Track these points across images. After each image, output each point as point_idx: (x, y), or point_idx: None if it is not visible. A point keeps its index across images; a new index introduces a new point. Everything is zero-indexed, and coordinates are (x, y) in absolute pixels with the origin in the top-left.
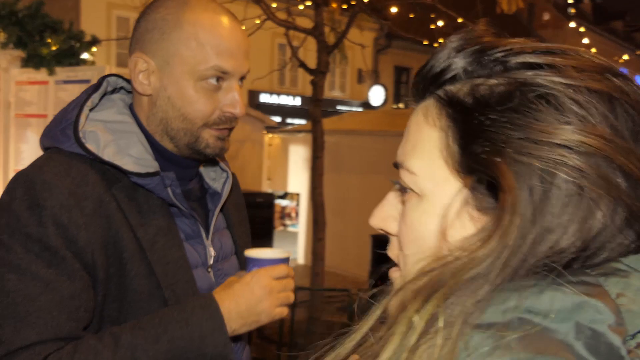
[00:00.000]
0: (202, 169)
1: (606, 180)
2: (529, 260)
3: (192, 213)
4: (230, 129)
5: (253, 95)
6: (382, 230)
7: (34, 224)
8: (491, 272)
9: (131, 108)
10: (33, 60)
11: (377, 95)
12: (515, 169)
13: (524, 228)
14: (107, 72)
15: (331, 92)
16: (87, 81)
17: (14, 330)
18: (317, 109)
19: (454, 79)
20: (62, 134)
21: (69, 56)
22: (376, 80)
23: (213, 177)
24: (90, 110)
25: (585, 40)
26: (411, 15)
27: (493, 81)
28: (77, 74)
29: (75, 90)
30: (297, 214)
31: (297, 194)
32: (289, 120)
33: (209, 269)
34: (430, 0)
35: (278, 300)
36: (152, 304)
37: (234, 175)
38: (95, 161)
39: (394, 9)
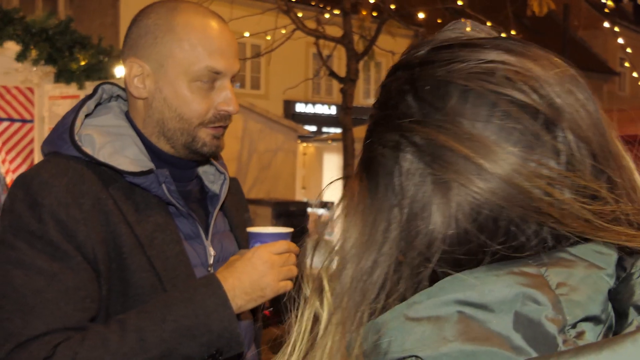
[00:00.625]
0: (201, 172)
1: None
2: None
3: (189, 212)
4: (225, 127)
5: (288, 105)
6: None
7: (35, 221)
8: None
9: (127, 114)
10: (64, 76)
11: None
12: (371, 166)
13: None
14: None
15: (366, 99)
16: None
17: (23, 323)
18: (347, 117)
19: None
20: (59, 138)
21: (97, 70)
22: None
23: (212, 180)
24: (87, 116)
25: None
26: (439, 21)
27: (391, 83)
28: None
29: None
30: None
31: (332, 202)
32: (324, 129)
33: (210, 269)
34: (459, 5)
35: (281, 273)
36: (155, 297)
37: (235, 179)
38: (92, 162)
39: (421, 15)
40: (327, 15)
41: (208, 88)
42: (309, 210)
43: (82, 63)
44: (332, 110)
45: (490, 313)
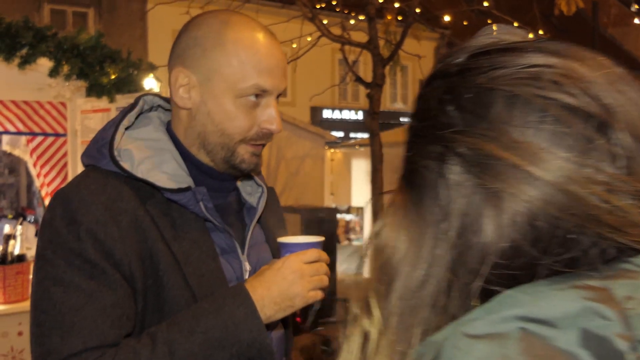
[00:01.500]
0: (239, 184)
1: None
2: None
3: (225, 227)
4: (264, 145)
5: (315, 112)
6: None
7: (74, 239)
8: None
9: (168, 125)
10: (95, 90)
11: None
12: (414, 178)
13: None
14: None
15: (393, 104)
16: None
17: (61, 340)
18: (374, 122)
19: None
20: (98, 152)
21: (127, 84)
22: None
23: (249, 192)
24: (127, 128)
25: None
26: (465, 23)
27: (428, 93)
28: None
29: None
30: (361, 227)
31: (361, 208)
32: (351, 135)
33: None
34: (485, 7)
35: (311, 283)
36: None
37: (272, 189)
38: (130, 178)
39: (447, 18)
40: (352, 22)
41: (253, 105)
42: (339, 216)
43: (113, 77)
44: (359, 116)
45: (555, 329)
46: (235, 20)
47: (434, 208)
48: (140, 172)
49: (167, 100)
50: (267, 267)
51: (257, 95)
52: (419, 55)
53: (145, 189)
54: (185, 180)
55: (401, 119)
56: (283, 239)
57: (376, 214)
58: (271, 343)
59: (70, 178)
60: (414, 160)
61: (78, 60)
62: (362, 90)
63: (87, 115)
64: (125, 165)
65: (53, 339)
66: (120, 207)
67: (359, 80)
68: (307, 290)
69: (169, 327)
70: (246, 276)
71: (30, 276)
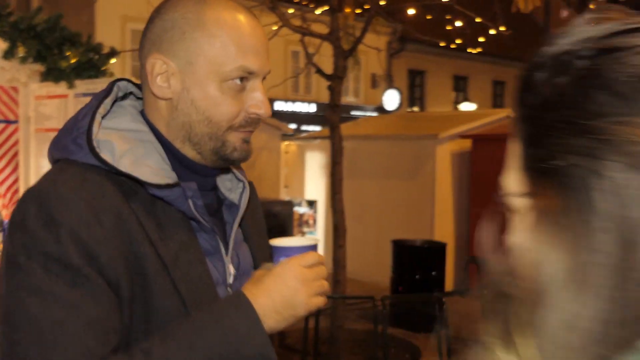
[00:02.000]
0: (217, 179)
1: None
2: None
3: (213, 227)
4: (252, 131)
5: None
6: None
7: (52, 241)
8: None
9: (142, 115)
10: (52, 74)
11: (391, 99)
12: (565, 178)
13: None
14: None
15: (345, 97)
16: None
17: (42, 359)
18: (335, 114)
19: (531, 83)
20: (73, 143)
21: (87, 69)
22: (390, 84)
23: (229, 188)
24: (102, 117)
25: None
26: (428, 17)
27: (560, 79)
28: (96, 87)
29: None
30: (314, 221)
31: (315, 201)
32: (304, 127)
33: (228, 288)
34: (447, 2)
35: (313, 289)
36: (180, 321)
37: (251, 184)
38: (111, 172)
39: (411, 11)
40: (318, 12)
41: (239, 89)
42: (295, 209)
43: (73, 61)
44: (312, 108)
45: None
46: (213, 0)
47: (588, 214)
48: (123, 165)
49: (139, 86)
50: (264, 273)
51: (242, 79)
52: (379, 49)
53: (126, 185)
54: (170, 176)
55: (352, 113)
56: (277, 242)
57: (335, 207)
58: (275, 356)
59: (21, 168)
60: (549, 157)
61: (35, 42)
62: (315, 82)
63: (41, 102)
64: (106, 157)
65: (32, 358)
66: (103, 204)
67: (319, 72)
68: (310, 297)
69: (165, 341)
70: (230, 280)
71: None
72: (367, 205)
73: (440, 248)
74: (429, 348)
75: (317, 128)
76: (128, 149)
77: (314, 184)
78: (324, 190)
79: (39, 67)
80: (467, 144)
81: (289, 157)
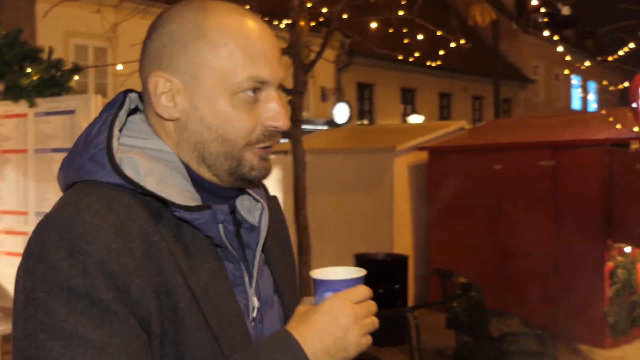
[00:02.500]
0: (236, 199)
1: None
2: None
3: (240, 256)
4: (271, 147)
5: None
6: None
7: (78, 274)
8: None
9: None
10: (11, 92)
11: (341, 112)
12: None
13: None
14: (92, 101)
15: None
16: (71, 112)
17: None
18: (297, 129)
19: None
20: (92, 162)
21: (50, 86)
22: (340, 98)
23: (247, 208)
24: (119, 131)
25: (540, 49)
26: (391, 30)
27: None
28: (59, 105)
29: (58, 122)
30: None
31: None
32: None
33: (252, 323)
34: (409, 16)
35: (364, 328)
36: None
37: (274, 198)
38: (136, 192)
39: (373, 25)
40: (282, 25)
41: (252, 101)
42: None
43: (35, 78)
44: None
45: None
46: (214, 6)
47: None
48: (149, 184)
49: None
50: (309, 309)
51: (254, 90)
52: (334, 62)
53: (153, 207)
54: (196, 198)
55: (303, 127)
56: (320, 275)
57: (299, 223)
58: None
59: None
60: None
61: None
62: None
63: None
64: (131, 175)
65: None
66: (132, 230)
67: (280, 86)
68: (361, 337)
69: None
70: (254, 314)
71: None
72: (325, 220)
73: (402, 261)
74: None
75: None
76: (152, 167)
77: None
78: (282, 205)
79: None
80: (423, 156)
81: None
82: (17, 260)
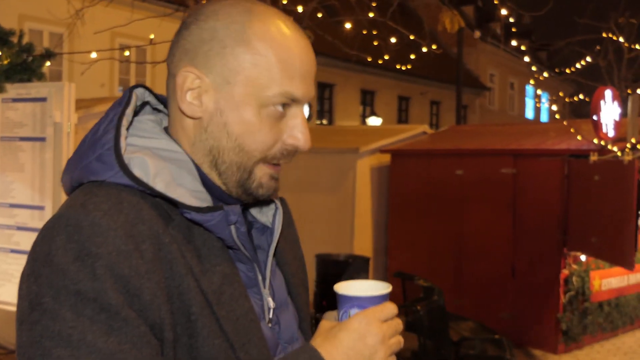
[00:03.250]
0: None
1: None
2: None
3: (253, 257)
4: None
5: None
6: None
7: (86, 278)
8: None
9: (166, 131)
10: None
11: None
12: None
13: None
14: (66, 89)
15: None
16: (42, 99)
17: None
18: None
19: None
20: (99, 162)
21: (20, 71)
22: None
23: (259, 208)
24: (127, 130)
25: (496, 58)
26: (364, 32)
27: None
28: (29, 91)
29: (27, 110)
30: None
31: None
32: None
33: (269, 324)
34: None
35: (391, 348)
36: None
37: (283, 200)
38: (145, 193)
39: (348, 25)
40: None
41: (279, 116)
42: None
43: (5, 62)
44: None
45: None
46: (262, 11)
47: None
48: (159, 185)
49: (157, 96)
50: (335, 325)
51: (284, 105)
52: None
53: (162, 208)
54: (206, 199)
55: None
56: (345, 290)
57: None
58: None
59: None
60: None
61: None
62: None
63: None
64: (140, 175)
65: None
66: (142, 232)
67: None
68: (388, 357)
69: None
70: (270, 315)
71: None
72: None
73: (364, 262)
74: None
75: None
76: (162, 167)
77: None
78: None
79: None
80: (385, 158)
81: None
82: None
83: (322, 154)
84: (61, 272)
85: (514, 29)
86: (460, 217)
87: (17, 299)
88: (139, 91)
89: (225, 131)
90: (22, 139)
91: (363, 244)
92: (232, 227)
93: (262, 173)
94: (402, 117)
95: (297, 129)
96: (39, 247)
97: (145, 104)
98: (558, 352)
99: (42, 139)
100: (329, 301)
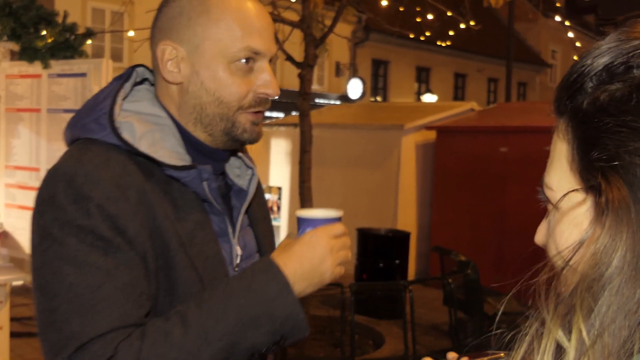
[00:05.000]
0: (226, 165)
1: None
2: None
3: (223, 210)
4: (263, 113)
5: None
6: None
7: (83, 216)
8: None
9: (157, 100)
10: (27, 53)
11: (355, 88)
12: (627, 176)
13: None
14: (104, 65)
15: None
16: (82, 74)
17: (82, 322)
18: (305, 102)
19: (582, 90)
20: (95, 123)
21: (63, 49)
22: (354, 73)
23: (237, 174)
24: (122, 100)
25: (571, 34)
26: (401, 9)
27: (614, 86)
28: (72, 68)
29: (70, 84)
30: (279, 207)
31: (279, 188)
32: (267, 114)
33: (236, 268)
34: None
35: (338, 258)
36: (212, 288)
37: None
38: (131, 152)
39: (384, 2)
40: None
41: (247, 70)
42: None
43: (49, 40)
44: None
45: None
46: None
47: None
48: (143, 146)
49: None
50: (291, 241)
51: (248, 60)
52: (348, 38)
53: (145, 165)
54: (184, 158)
55: (316, 100)
56: (303, 214)
57: (303, 195)
58: (305, 318)
59: None
60: (612, 158)
61: (10, 20)
62: (280, 69)
63: (13, 81)
64: (127, 138)
65: (72, 323)
66: (128, 181)
67: (290, 59)
68: (335, 266)
69: (199, 306)
70: (237, 260)
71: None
72: (331, 193)
73: (404, 237)
74: (391, 334)
75: (280, 115)
76: (147, 131)
77: (279, 171)
78: (289, 178)
79: (12, 46)
80: (431, 135)
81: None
82: (28, 214)
83: (367, 130)
84: (63, 210)
85: (577, 5)
86: (504, 195)
87: (30, 235)
88: (139, 69)
89: (203, 89)
90: (66, 111)
91: (407, 220)
92: (205, 183)
93: (244, 120)
94: (459, 94)
95: (265, 79)
96: (43, 192)
97: (144, 80)
98: None
99: None
100: (368, 274)
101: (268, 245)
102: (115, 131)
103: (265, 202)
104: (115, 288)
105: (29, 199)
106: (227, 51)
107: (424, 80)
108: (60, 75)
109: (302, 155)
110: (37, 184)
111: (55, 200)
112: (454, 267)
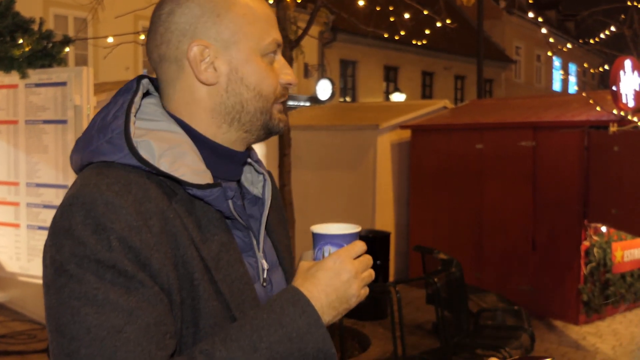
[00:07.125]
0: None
1: None
2: None
3: (249, 226)
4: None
5: None
6: None
7: (103, 248)
8: None
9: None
10: (3, 63)
11: (324, 89)
12: None
13: None
14: (84, 74)
15: None
16: (63, 83)
17: None
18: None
19: None
20: (109, 144)
21: (41, 57)
22: (323, 74)
23: (250, 181)
24: (134, 116)
25: (522, 30)
26: (378, 9)
27: None
28: (50, 77)
29: (49, 94)
30: None
31: None
32: None
33: (264, 284)
34: None
35: (363, 280)
36: (225, 326)
37: (269, 173)
38: (151, 173)
39: (361, 2)
40: (270, 0)
41: (272, 62)
42: None
43: (27, 49)
44: None
45: None
46: None
47: None
48: (163, 165)
49: (154, 82)
50: (312, 265)
51: (275, 51)
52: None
53: (166, 185)
54: (207, 175)
55: (290, 103)
56: (319, 229)
57: (285, 200)
58: (335, 353)
59: None
60: None
61: None
62: None
63: None
64: (147, 158)
65: None
66: (150, 209)
67: None
68: (360, 289)
69: (226, 343)
70: (264, 275)
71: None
72: (308, 196)
73: (384, 237)
74: (377, 336)
75: None
76: (166, 148)
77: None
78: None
79: None
80: (406, 134)
81: None
82: (8, 231)
83: (342, 131)
84: (82, 244)
85: (540, 0)
86: (481, 191)
87: (42, 268)
88: (145, 81)
89: (244, 85)
90: (45, 121)
91: (385, 220)
92: (230, 202)
93: (276, 110)
94: (427, 92)
95: (287, 68)
96: (60, 222)
97: (147, 93)
98: (579, 323)
99: (64, 122)
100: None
101: (285, 252)
102: (133, 151)
103: (281, 205)
104: (138, 330)
105: (9, 214)
106: (261, 44)
107: (392, 79)
108: (38, 85)
109: (281, 159)
110: (16, 198)
111: (72, 232)
112: (436, 266)
